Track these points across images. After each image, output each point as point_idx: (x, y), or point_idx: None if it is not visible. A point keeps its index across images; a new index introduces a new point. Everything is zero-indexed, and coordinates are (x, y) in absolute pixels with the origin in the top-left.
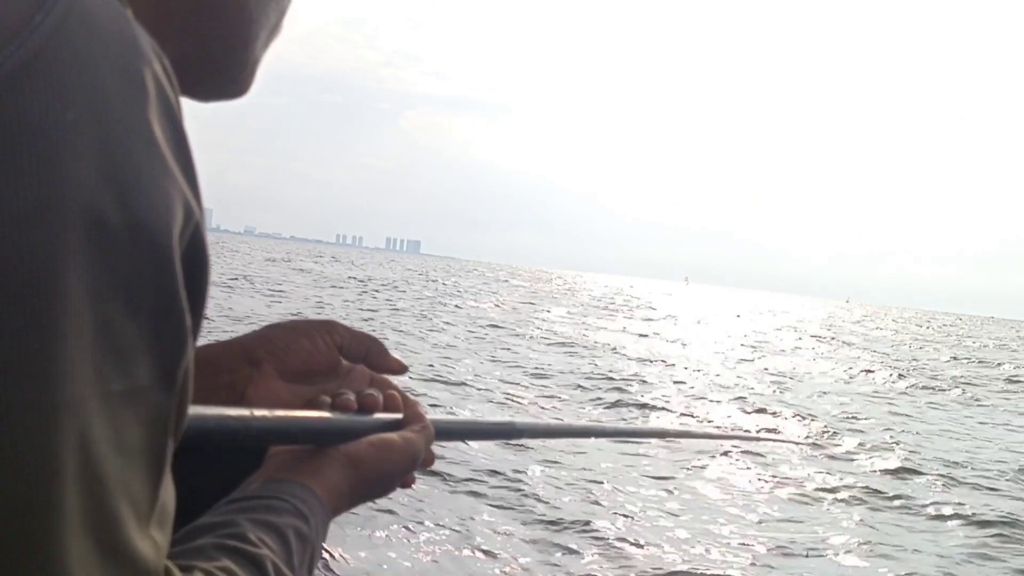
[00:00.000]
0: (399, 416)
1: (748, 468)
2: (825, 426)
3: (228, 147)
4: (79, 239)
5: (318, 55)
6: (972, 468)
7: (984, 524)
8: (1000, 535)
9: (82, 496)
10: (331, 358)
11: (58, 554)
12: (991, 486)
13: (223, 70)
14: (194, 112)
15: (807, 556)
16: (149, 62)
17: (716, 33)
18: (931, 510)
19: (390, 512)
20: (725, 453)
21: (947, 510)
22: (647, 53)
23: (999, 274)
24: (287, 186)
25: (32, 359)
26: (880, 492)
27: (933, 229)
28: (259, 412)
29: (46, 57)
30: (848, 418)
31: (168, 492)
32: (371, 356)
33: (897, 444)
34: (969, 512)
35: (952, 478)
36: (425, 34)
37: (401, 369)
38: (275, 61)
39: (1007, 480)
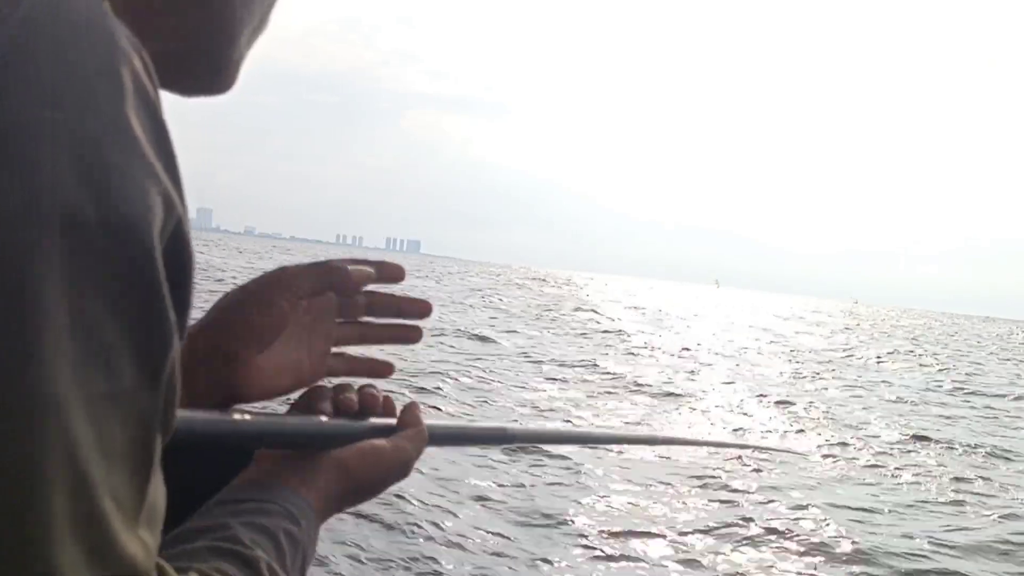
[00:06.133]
0: (393, 421)
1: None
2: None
3: (227, 147)
4: (57, 240)
5: (314, 55)
6: None
7: None
8: None
9: (66, 498)
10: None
11: (43, 556)
12: None
13: (206, 66)
14: (196, 111)
15: (804, 553)
16: (127, 56)
17: (717, 30)
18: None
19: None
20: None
21: None
22: (647, 52)
23: (1000, 274)
24: (287, 186)
25: (11, 362)
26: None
27: (936, 228)
28: (249, 416)
29: (18, 52)
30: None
31: (157, 492)
32: (338, 288)
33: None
34: None
35: None
36: (423, 33)
37: (366, 279)
38: (272, 62)
39: None
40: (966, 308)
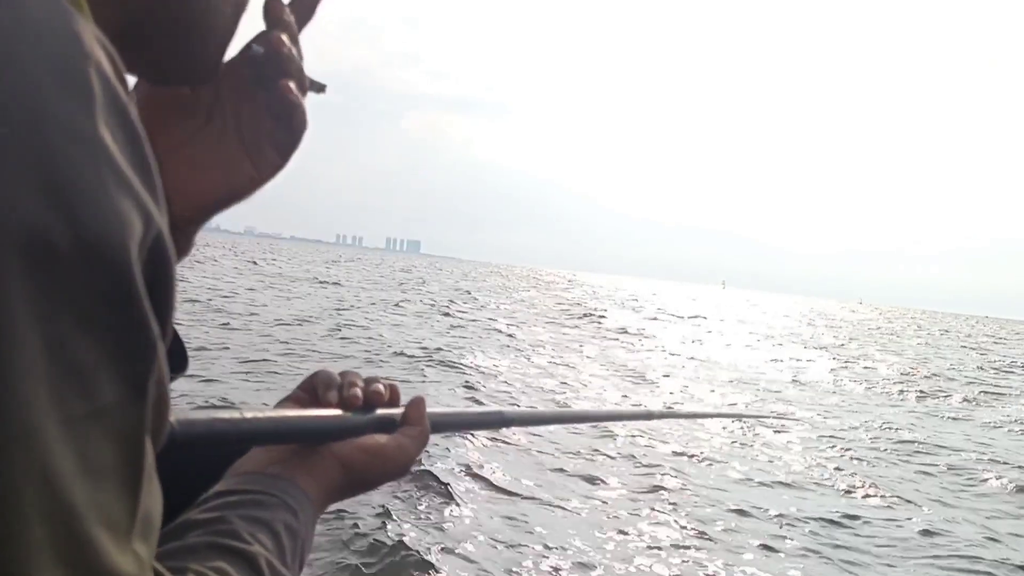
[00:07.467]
0: (397, 411)
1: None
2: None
3: None
4: (22, 264)
5: (316, 55)
6: None
7: None
8: None
9: (48, 526)
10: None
11: None
12: None
13: (180, 46)
14: None
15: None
16: (93, 57)
17: (717, 30)
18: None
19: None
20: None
21: None
22: (648, 52)
23: (1000, 274)
24: (287, 186)
25: None
26: None
27: (936, 228)
28: (249, 414)
29: None
30: None
31: (152, 500)
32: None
33: None
34: None
35: None
36: (424, 34)
37: None
38: None
39: None
40: (966, 308)
